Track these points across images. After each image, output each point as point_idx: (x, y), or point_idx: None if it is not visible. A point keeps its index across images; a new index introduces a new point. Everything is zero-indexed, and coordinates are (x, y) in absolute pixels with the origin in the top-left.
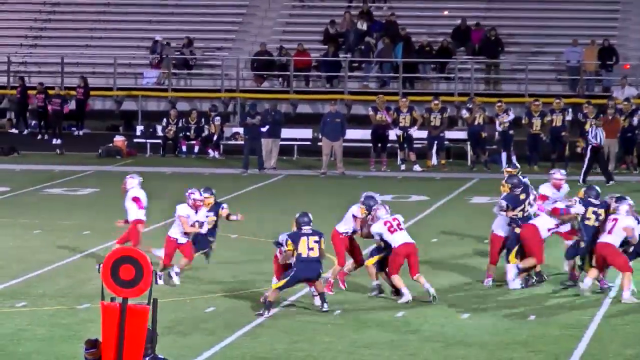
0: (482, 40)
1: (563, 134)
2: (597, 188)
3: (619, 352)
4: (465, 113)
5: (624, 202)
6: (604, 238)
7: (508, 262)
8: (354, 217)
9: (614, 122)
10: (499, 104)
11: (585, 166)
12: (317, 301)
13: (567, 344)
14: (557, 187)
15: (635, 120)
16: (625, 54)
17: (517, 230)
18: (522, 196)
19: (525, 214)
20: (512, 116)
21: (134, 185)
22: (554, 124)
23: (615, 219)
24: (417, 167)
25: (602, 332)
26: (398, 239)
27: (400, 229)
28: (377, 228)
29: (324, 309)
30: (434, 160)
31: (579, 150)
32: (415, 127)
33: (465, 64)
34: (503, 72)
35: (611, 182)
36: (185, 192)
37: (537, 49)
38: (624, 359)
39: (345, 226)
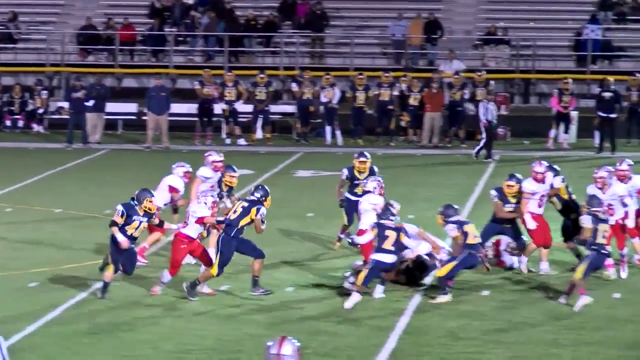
0: (308, 14)
1: (389, 107)
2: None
3: (441, 325)
4: (294, 86)
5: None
6: None
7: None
8: (170, 187)
9: (437, 96)
10: (327, 76)
11: (482, 142)
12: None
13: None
14: (539, 181)
15: (465, 94)
16: (450, 27)
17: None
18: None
19: None
20: (337, 93)
21: None
22: (381, 98)
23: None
24: (242, 141)
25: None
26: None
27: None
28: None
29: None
30: (259, 134)
31: (403, 124)
32: (241, 101)
33: (291, 38)
34: (328, 46)
35: (490, 160)
36: None
37: (362, 23)
38: (446, 332)
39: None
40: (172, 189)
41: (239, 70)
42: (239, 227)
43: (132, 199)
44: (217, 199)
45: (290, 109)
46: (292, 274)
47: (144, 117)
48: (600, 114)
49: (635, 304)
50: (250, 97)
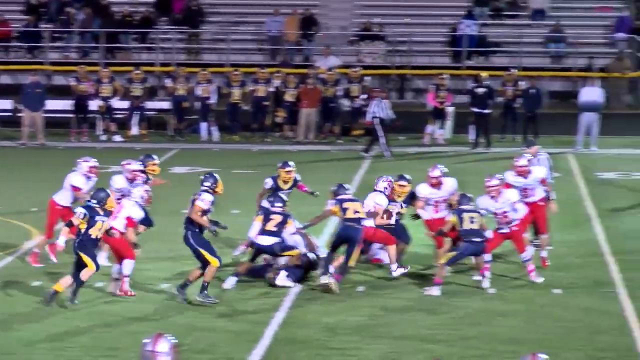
0: (184, 10)
1: (265, 103)
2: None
3: (317, 320)
4: (168, 82)
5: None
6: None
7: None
8: (73, 187)
9: (313, 92)
10: (204, 72)
11: (382, 139)
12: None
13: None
14: (523, 174)
15: (339, 90)
16: (327, 23)
17: None
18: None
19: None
20: (214, 89)
21: None
22: (257, 94)
23: None
24: (117, 138)
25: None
26: None
27: None
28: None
29: None
30: (135, 131)
31: (279, 120)
32: (117, 98)
33: (167, 34)
34: (204, 42)
35: (367, 155)
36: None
37: (238, 19)
38: (322, 327)
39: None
40: (74, 188)
41: (114, 67)
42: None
43: (89, 200)
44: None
45: (166, 105)
46: (167, 271)
47: (20, 114)
48: (474, 109)
49: (511, 300)
50: (126, 94)
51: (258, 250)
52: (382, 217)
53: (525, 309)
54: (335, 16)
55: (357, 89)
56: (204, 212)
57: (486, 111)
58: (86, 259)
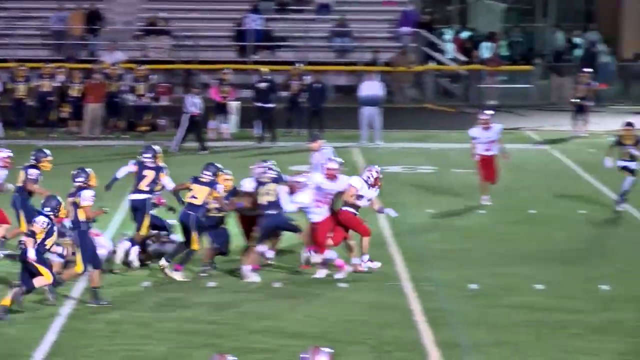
0: None
1: (50, 99)
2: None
3: (103, 317)
4: None
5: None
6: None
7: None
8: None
9: (99, 87)
10: None
11: (180, 134)
12: None
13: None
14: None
15: (123, 85)
16: (112, 18)
17: None
18: None
19: None
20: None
21: None
22: (42, 89)
23: None
24: None
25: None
26: None
27: None
28: None
29: None
30: None
31: (64, 115)
32: None
33: None
34: None
35: (205, 152)
36: None
37: (23, 14)
38: (106, 323)
39: None
40: None
41: None
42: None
43: (42, 208)
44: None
45: None
46: None
47: None
48: (257, 104)
49: (297, 295)
50: None
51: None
52: (352, 197)
53: (307, 303)
54: (121, 11)
55: (143, 87)
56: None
57: (269, 105)
58: (42, 269)
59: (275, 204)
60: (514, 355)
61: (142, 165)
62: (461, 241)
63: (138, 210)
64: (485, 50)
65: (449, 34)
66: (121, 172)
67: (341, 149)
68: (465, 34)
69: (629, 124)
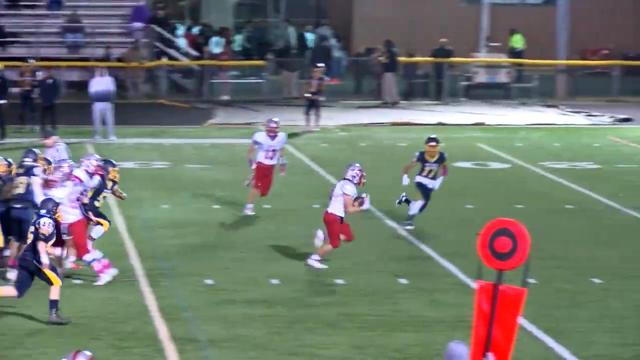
0: None
1: None
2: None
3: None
4: None
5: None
6: None
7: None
8: None
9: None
10: None
11: None
12: None
13: None
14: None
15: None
16: None
17: None
18: None
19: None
20: None
21: None
22: None
23: None
24: None
25: None
26: None
27: None
28: None
29: None
30: None
31: None
32: None
33: None
34: None
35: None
36: None
37: None
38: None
39: None
40: None
41: None
42: None
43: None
44: None
45: None
46: None
47: None
48: None
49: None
50: None
51: None
52: (354, 205)
53: (41, 300)
54: None
55: None
56: None
57: (0, 102)
58: (50, 274)
59: (25, 198)
60: (251, 350)
61: None
62: (196, 237)
63: None
64: (216, 45)
65: (181, 30)
66: None
67: (75, 144)
68: (196, 29)
69: (433, 140)
